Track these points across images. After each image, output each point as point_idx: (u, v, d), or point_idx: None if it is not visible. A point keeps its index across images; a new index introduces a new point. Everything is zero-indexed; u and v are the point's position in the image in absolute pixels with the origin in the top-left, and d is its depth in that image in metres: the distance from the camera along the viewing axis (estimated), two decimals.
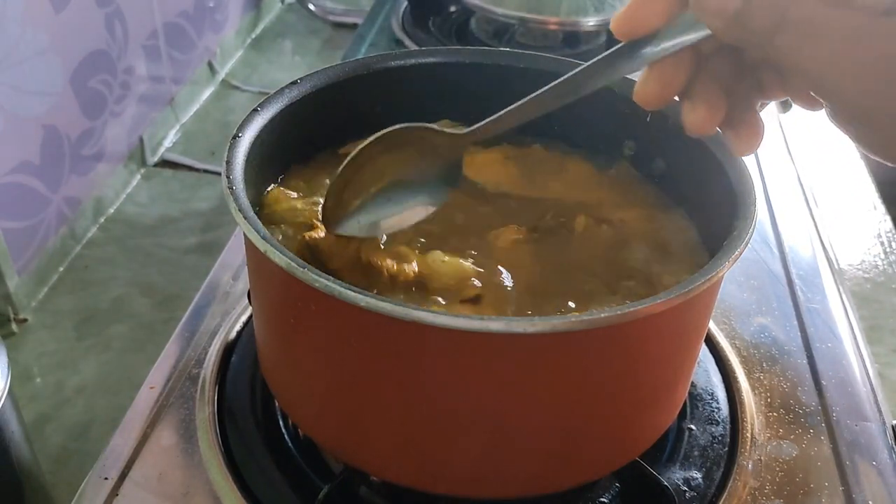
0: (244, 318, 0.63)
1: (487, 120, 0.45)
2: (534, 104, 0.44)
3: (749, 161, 0.45)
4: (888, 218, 0.94)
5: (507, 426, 0.42)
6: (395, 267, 0.46)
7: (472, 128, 0.46)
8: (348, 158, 0.45)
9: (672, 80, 0.40)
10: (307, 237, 0.47)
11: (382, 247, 0.48)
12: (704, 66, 0.40)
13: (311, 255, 0.47)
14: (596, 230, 0.52)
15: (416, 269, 0.46)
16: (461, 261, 0.48)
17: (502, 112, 0.44)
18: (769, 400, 0.58)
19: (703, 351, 0.61)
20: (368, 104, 0.57)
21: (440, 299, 0.46)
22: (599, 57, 0.41)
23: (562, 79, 0.43)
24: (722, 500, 0.51)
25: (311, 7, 1.44)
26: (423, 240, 0.50)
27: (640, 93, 0.41)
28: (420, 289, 0.46)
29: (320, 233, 0.47)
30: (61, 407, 0.76)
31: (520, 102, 0.44)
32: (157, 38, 1.09)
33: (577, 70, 0.42)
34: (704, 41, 0.38)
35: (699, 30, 0.38)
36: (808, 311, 0.66)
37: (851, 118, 0.36)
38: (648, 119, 0.53)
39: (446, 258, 0.48)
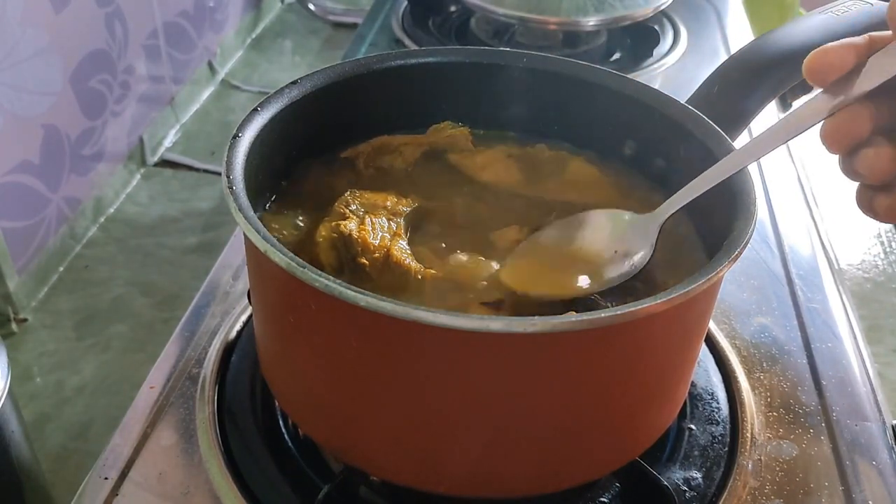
0: (244, 318, 0.63)
1: (675, 195, 0.47)
2: (715, 173, 0.45)
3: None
4: None
5: (506, 426, 0.42)
6: (421, 269, 0.47)
7: (661, 207, 0.48)
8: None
9: (861, 123, 0.39)
10: (342, 227, 0.47)
11: (408, 246, 0.49)
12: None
13: (344, 245, 0.47)
14: None
15: (437, 271, 0.47)
16: (481, 258, 0.48)
17: (684, 189, 0.46)
18: (769, 400, 0.58)
19: (703, 351, 0.61)
20: (368, 104, 0.57)
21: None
22: (790, 112, 0.42)
23: (753, 140, 0.44)
24: (722, 500, 0.51)
25: (311, 7, 1.44)
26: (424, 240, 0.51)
27: (828, 133, 0.40)
28: (445, 289, 0.47)
29: (352, 224, 0.48)
30: (61, 407, 0.76)
31: (701, 177, 0.46)
32: (157, 37, 1.09)
33: (766, 131, 0.43)
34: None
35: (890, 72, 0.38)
36: (808, 311, 0.66)
37: None
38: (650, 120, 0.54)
39: (465, 258, 0.48)
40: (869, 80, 0.39)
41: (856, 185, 0.43)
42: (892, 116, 0.39)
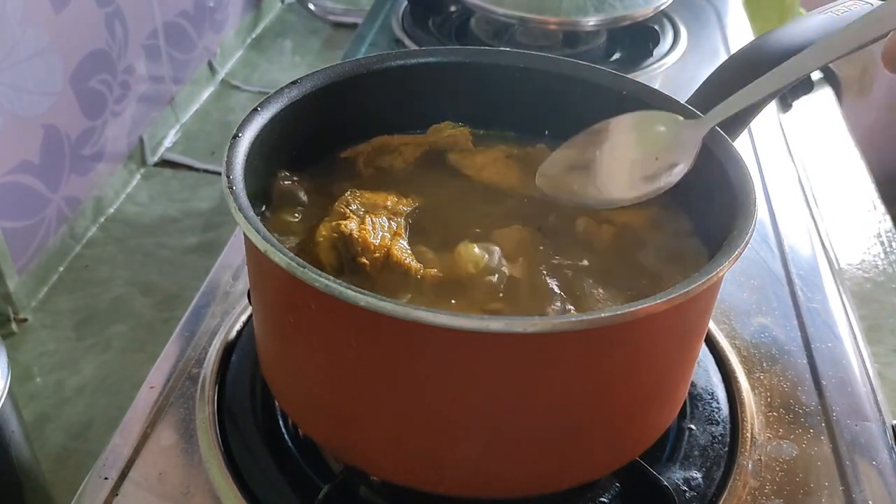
0: (244, 318, 0.63)
1: (727, 101, 0.44)
2: (774, 78, 0.42)
3: (749, 161, 0.45)
4: (888, 218, 0.93)
5: (507, 426, 0.42)
6: (421, 268, 0.47)
7: (709, 114, 0.45)
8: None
9: None
10: (342, 226, 0.47)
11: (408, 245, 0.49)
12: None
13: (344, 245, 0.47)
14: (598, 231, 0.52)
15: (439, 272, 0.47)
16: (476, 249, 0.48)
17: (737, 94, 0.43)
18: (769, 400, 0.58)
19: (703, 351, 0.61)
20: (368, 104, 0.57)
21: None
22: (865, 13, 0.39)
23: (820, 42, 0.40)
24: (722, 500, 0.51)
25: (311, 7, 1.44)
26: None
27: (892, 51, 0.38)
28: (446, 288, 0.47)
29: (352, 224, 0.48)
30: (61, 407, 0.76)
31: (757, 82, 0.43)
32: (157, 37, 1.09)
33: (835, 34, 0.40)
34: None
35: None
36: (808, 311, 0.66)
37: None
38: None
39: (474, 248, 0.48)
40: None
41: (857, 183, 0.42)
42: None
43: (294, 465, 0.53)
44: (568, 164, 0.48)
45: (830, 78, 1.10)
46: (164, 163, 1.10)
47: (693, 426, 0.56)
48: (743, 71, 0.56)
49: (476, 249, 0.48)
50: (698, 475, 0.52)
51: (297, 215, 0.52)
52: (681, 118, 0.47)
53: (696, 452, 0.54)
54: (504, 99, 0.59)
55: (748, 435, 0.55)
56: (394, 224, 0.50)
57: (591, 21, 0.95)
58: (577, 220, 0.52)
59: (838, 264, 0.75)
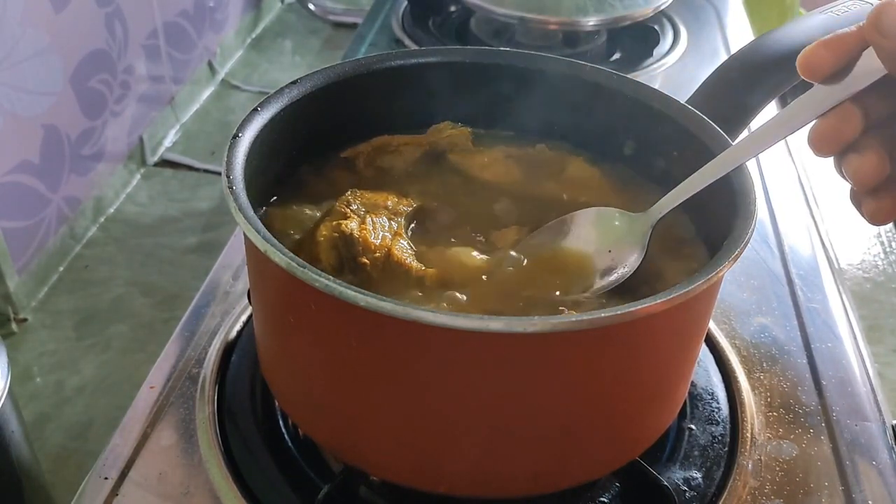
0: (244, 318, 0.63)
1: (667, 196, 0.47)
2: (710, 171, 0.45)
3: (749, 161, 0.45)
4: None
5: (506, 426, 0.42)
6: (422, 268, 0.47)
7: (653, 207, 0.48)
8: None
9: (851, 124, 0.39)
10: (342, 226, 0.47)
11: (409, 246, 0.49)
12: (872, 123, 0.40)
13: (345, 244, 0.47)
14: None
15: (436, 271, 0.47)
16: (473, 252, 0.49)
17: (678, 187, 0.46)
18: (769, 400, 0.58)
19: (703, 351, 0.61)
20: (368, 104, 0.57)
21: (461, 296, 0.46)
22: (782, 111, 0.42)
23: (744, 138, 0.44)
24: (722, 500, 0.51)
25: (311, 7, 1.44)
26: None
27: (816, 136, 0.40)
28: (443, 287, 0.47)
29: (353, 223, 0.48)
30: (61, 407, 0.76)
31: (697, 174, 0.45)
32: (157, 37, 1.09)
33: (761, 127, 0.43)
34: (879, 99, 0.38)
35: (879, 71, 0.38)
36: (808, 311, 0.66)
37: None
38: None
39: (461, 250, 0.49)
40: (864, 75, 0.38)
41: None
42: (881, 112, 0.39)
43: (294, 465, 0.53)
44: (528, 261, 0.50)
45: None
46: (164, 163, 1.10)
47: (693, 426, 0.56)
48: (743, 71, 0.56)
49: (473, 253, 0.49)
50: (698, 475, 0.52)
51: (297, 215, 0.52)
52: (626, 214, 0.49)
53: (696, 452, 0.54)
54: (504, 99, 0.59)
55: (748, 435, 0.55)
56: (394, 224, 0.50)
57: (591, 21, 0.95)
58: None
59: (838, 264, 0.75)
